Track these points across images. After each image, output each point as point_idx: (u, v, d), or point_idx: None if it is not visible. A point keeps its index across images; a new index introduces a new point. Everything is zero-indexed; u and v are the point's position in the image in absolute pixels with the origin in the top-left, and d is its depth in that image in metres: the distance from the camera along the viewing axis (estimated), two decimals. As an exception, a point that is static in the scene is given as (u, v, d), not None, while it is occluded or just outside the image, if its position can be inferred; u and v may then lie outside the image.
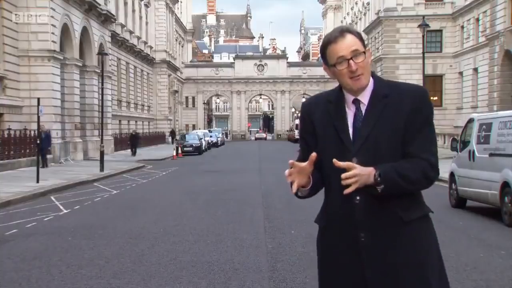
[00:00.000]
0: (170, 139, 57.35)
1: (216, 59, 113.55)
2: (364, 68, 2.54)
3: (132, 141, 37.94)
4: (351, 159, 2.50)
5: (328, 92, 2.74)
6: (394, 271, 2.51)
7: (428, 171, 2.52)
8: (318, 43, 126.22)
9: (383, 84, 2.61)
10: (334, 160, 2.45)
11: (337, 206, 2.58)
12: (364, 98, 2.58)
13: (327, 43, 2.57)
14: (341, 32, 2.56)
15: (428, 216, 2.64)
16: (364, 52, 2.54)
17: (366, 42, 2.76)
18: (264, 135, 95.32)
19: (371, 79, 2.60)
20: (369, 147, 2.53)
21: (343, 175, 2.43)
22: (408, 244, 2.53)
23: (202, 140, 45.72)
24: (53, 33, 27.50)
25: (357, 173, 2.42)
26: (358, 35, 2.56)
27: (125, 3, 47.81)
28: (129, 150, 38.09)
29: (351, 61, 2.51)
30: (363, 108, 2.58)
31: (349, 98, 2.61)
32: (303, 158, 2.64)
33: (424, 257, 2.55)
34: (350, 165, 2.44)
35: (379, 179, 2.44)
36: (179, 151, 38.20)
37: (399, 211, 2.52)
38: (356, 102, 2.59)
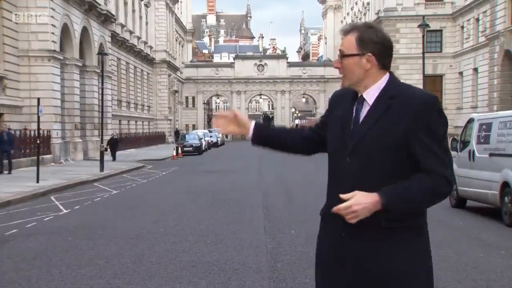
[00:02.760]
0: (173, 138, 57.15)
1: (216, 59, 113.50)
2: (345, 70, 2.56)
3: (111, 145, 33.35)
4: (346, 158, 2.52)
5: None
6: (373, 277, 2.47)
7: (442, 188, 2.44)
8: (318, 43, 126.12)
9: (394, 85, 2.55)
10: (341, 195, 2.44)
11: (330, 202, 2.59)
12: (369, 97, 2.55)
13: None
14: (345, 31, 2.60)
15: (419, 227, 2.54)
16: (349, 55, 2.53)
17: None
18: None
19: (387, 77, 2.56)
20: (365, 146, 2.49)
21: (342, 206, 2.40)
22: (385, 251, 2.46)
23: (202, 140, 45.73)
24: (53, 33, 27.50)
25: (354, 203, 2.38)
26: (358, 38, 2.52)
27: (125, 3, 47.80)
28: (130, 150, 37.70)
29: (337, 58, 2.61)
30: (366, 107, 2.55)
31: (358, 94, 2.61)
32: (310, 128, 2.83)
33: (405, 268, 2.46)
34: (350, 196, 2.40)
35: (385, 207, 2.39)
36: (179, 151, 38.22)
37: (381, 216, 2.42)
38: (361, 99, 2.58)
